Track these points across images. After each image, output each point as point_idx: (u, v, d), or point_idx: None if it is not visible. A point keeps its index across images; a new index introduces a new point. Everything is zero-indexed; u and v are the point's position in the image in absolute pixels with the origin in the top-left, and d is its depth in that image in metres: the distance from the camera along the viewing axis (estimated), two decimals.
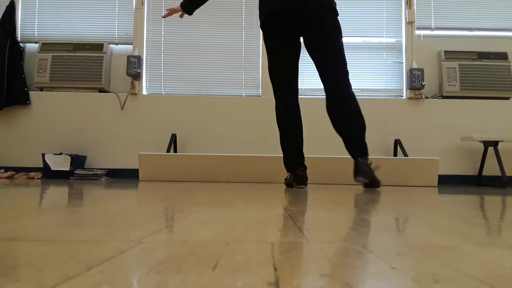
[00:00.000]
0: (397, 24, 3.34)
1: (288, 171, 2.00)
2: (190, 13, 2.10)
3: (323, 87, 1.96)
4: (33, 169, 3.09)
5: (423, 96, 3.22)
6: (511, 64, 3.18)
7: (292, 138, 1.95)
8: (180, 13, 2.12)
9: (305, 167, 1.98)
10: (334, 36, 1.85)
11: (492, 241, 0.53)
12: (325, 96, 1.96)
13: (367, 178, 1.79)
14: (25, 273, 0.33)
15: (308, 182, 1.98)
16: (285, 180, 2.07)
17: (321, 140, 3.23)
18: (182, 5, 2.07)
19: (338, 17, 1.88)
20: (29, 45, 3.34)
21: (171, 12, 2.13)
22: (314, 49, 1.88)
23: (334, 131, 3.34)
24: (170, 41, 3.30)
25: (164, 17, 2.17)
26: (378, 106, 3.24)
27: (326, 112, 3.48)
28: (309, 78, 3.32)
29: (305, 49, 1.98)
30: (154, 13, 3.33)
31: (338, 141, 3.33)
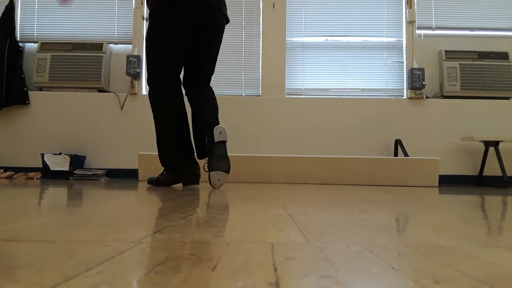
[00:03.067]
0: (398, 24, 3.34)
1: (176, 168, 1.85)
2: None
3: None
4: (32, 169, 3.09)
5: (424, 96, 3.22)
6: None
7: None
8: None
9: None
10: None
11: (492, 242, 0.53)
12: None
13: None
14: (24, 274, 0.33)
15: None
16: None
17: (321, 140, 3.23)
18: None
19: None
20: (28, 44, 3.33)
21: None
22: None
23: (334, 131, 3.35)
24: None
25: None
26: (378, 106, 3.23)
27: (325, 112, 3.46)
28: (309, 79, 3.32)
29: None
30: None
31: (338, 141, 3.34)
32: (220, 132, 1.70)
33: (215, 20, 1.78)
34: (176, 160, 1.82)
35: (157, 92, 1.78)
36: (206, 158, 1.77)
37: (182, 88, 1.88)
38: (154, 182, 1.91)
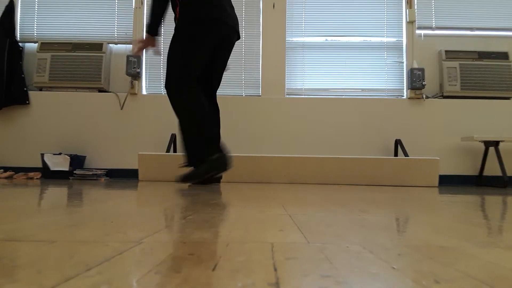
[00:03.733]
0: (398, 24, 3.34)
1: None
2: (157, 34, 1.98)
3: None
4: (32, 169, 3.09)
5: (424, 96, 3.22)
6: None
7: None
8: (154, 48, 2.01)
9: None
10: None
11: (492, 242, 0.53)
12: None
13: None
14: (24, 274, 0.33)
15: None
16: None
17: (321, 140, 3.23)
18: (148, 31, 1.95)
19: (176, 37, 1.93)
20: (28, 44, 3.33)
21: (144, 45, 1.97)
22: None
23: (334, 131, 3.35)
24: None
25: (136, 53, 2.03)
26: (378, 106, 3.23)
27: (325, 112, 3.45)
28: (309, 79, 3.32)
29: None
30: None
31: (338, 141, 3.34)
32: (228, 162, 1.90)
33: (231, 40, 2.01)
34: (213, 151, 1.89)
35: (182, 91, 1.87)
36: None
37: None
38: (187, 178, 1.86)
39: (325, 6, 3.34)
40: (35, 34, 3.35)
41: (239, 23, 2.08)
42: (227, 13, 1.95)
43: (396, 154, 3.13)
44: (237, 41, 2.12)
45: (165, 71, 1.95)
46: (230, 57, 2.13)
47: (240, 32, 2.08)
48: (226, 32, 1.95)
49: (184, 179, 1.87)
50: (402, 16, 3.34)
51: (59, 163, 2.87)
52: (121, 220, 0.68)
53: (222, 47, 2.01)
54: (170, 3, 1.97)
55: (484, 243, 0.52)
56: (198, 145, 1.88)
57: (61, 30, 3.34)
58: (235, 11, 2.06)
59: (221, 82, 3.36)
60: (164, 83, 2.24)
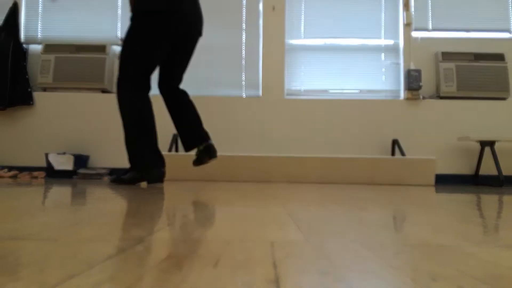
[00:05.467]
0: (395, 26, 3.36)
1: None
2: None
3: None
4: (37, 168, 3.10)
5: (421, 97, 3.24)
6: (508, 65, 3.20)
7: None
8: None
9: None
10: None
11: (489, 240, 0.54)
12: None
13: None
14: (27, 272, 0.33)
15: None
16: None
17: (320, 140, 3.24)
18: None
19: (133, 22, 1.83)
20: (32, 46, 3.34)
21: None
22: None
23: (333, 132, 3.36)
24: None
25: None
26: (376, 107, 3.25)
27: (324, 113, 3.47)
28: (308, 80, 3.33)
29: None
30: None
31: (337, 141, 3.35)
32: (213, 150, 1.95)
33: (193, 35, 1.95)
34: (145, 159, 1.84)
35: (128, 90, 1.82)
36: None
37: (159, 90, 2.02)
38: (117, 181, 1.89)
39: (324, 9, 3.36)
40: (39, 35, 3.36)
41: (202, 19, 1.98)
42: (186, 7, 1.82)
43: (393, 154, 3.14)
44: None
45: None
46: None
47: (202, 30, 2.02)
48: (184, 27, 1.85)
49: (112, 181, 1.93)
50: (399, 18, 3.36)
51: (63, 163, 2.87)
52: (123, 218, 0.68)
53: (180, 44, 1.92)
54: None
55: (481, 241, 0.53)
56: (132, 149, 1.83)
57: (65, 32, 3.36)
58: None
59: (222, 82, 3.40)
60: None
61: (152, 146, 1.86)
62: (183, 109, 1.96)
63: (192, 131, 1.97)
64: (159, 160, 1.89)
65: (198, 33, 1.99)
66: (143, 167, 1.84)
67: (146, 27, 1.78)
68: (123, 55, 1.82)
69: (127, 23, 3.33)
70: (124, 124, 1.82)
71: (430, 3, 3.35)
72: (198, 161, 2.00)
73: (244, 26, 3.33)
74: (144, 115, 1.81)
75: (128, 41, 1.81)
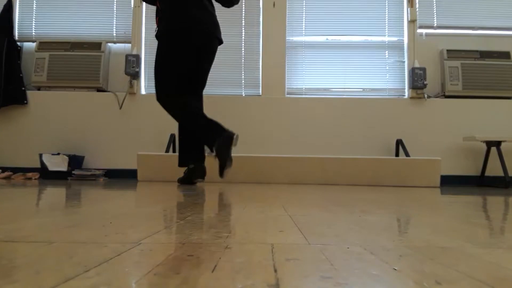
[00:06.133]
0: (399, 23, 3.33)
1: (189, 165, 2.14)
2: None
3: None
4: (31, 169, 3.08)
5: (425, 96, 3.21)
6: None
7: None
8: None
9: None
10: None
11: (494, 242, 0.53)
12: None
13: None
14: (23, 274, 0.33)
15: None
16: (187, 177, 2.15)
17: (322, 140, 3.23)
18: None
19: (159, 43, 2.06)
20: (26, 44, 3.32)
21: None
22: None
23: (335, 131, 3.34)
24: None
25: None
26: (379, 106, 3.23)
27: (326, 112, 3.45)
28: (309, 78, 3.31)
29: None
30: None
31: (339, 141, 3.33)
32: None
33: (211, 46, 2.09)
34: (189, 157, 2.12)
35: (171, 97, 2.04)
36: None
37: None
38: (180, 181, 2.17)
39: (326, 5, 3.33)
40: (33, 33, 3.34)
41: (218, 28, 2.12)
42: (201, 21, 2.00)
43: (397, 154, 3.12)
44: (221, 45, 2.19)
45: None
46: (214, 61, 2.23)
47: (221, 37, 2.16)
48: (201, 40, 2.02)
49: (178, 181, 2.21)
50: (403, 15, 3.33)
51: (58, 163, 2.87)
52: (120, 221, 0.68)
53: (200, 56, 2.08)
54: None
55: (485, 243, 0.52)
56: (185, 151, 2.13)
57: (60, 29, 3.33)
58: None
59: (221, 81, 3.39)
60: None
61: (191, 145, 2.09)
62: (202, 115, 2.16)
63: (193, 148, 2.14)
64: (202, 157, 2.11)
65: (218, 41, 2.14)
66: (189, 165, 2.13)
67: (168, 46, 2.00)
68: (155, 74, 2.05)
69: (123, 19, 3.34)
70: (181, 128, 2.16)
71: (435, 0, 3.32)
72: (185, 180, 2.15)
73: (243, 23, 3.32)
74: (195, 117, 2.03)
75: (156, 60, 2.03)
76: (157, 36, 2.03)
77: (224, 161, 1.93)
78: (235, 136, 1.93)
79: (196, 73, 2.12)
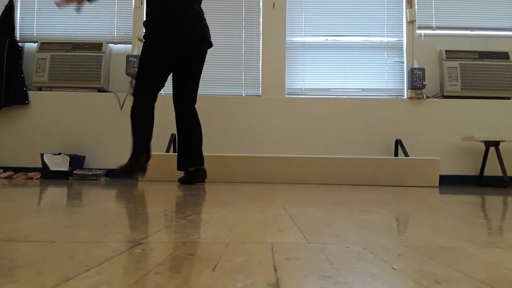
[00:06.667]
0: (398, 24, 3.34)
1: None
2: None
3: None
4: (32, 169, 3.09)
5: (424, 96, 3.22)
6: None
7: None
8: (78, 5, 1.98)
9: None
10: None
11: (493, 242, 0.53)
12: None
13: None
14: (24, 274, 0.33)
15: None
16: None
17: (322, 140, 3.23)
18: None
19: None
20: (28, 44, 3.33)
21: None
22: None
23: (334, 131, 3.35)
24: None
25: (61, 3, 1.95)
26: (379, 106, 3.23)
27: (326, 112, 3.46)
28: (309, 79, 3.32)
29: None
30: None
31: (339, 141, 3.34)
32: (204, 175, 2.11)
33: (195, 49, 2.08)
34: (187, 163, 2.13)
35: (134, 102, 2.07)
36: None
37: (174, 107, 2.17)
38: (180, 181, 2.18)
39: (325, 6, 3.34)
40: (35, 34, 3.34)
41: (205, 31, 2.11)
42: (183, 27, 2.01)
43: (396, 154, 3.12)
44: (221, 46, 2.21)
45: None
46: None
47: (209, 39, 2.16)
48: (180, 45, 2.03)
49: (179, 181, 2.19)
50: (402, 15, 3.34)
51: (59, 163, 2.87)
52: (120, 220, 0.68)
53: (180, 62, 2.09)
54: None
55: (484, 243, 0.52)
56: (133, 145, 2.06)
57: (61, 30, 3.34)
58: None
59: (221, 81, 3.39)
60: None
61: (138, 152, 2.05)
62: (185, 134, 2.13)
63: (188, 154, 2.12)
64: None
65: (208, 44, 2.13)
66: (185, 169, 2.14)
67: (146, 49, 2.06)
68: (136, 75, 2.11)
69: (124, 20, 3.35)
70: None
71: (434, 0, 3.33)
72: (185, 180, 2.13)
73: (244, 23, 3.33)
74: (135, 124, 2.04)
75: (140, 57, 2.10)
76: (143, 37, 2.10)
77: (130, 172, 1.99)
78: (140, 165, 1.98)
79: (180, 79, 2.13)
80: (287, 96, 3.27)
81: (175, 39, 2.03)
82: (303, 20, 3.34)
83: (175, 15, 2.01)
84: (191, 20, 2.05)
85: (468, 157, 3.18)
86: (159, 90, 2.12)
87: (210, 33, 2.19)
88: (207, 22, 2.20)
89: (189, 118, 2.13)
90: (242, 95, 3.29)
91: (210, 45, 2.16)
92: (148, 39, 2.05)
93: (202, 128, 3.17)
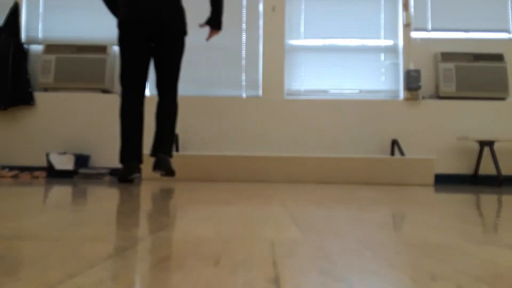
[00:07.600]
0: (394, 26, 3.36)
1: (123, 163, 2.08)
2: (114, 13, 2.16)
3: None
4: (37, 168, 3.10)
5: (420, 97, 3.24)
6: (507, 65, 3.20)
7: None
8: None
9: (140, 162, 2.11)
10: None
11: (488, 240, 0.54)
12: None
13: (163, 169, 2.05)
14: (28, 272, 0.33)
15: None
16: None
17: (320, 140, 3.25)
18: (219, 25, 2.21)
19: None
20: (33, 46, 3.34)
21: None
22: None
23: (333, 132, 3.36)
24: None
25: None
26: (375, 107, 3.25)
27: (324, 113, 3.48)
28: (308, 80, 3.33)
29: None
30: None
31: (337, 141, 3.35)
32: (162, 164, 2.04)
33: (166, 32, 2.04)
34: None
35: (121, 99, 2.06)
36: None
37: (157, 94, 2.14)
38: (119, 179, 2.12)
39: (324, 10, 3.36)
40: (40, 36, 3.35)
41: (178, 16, 2.07)
42: (147, 12, 1.98)
43: (392, 154, 3.14)
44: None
45: None
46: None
47: (184, 26, 2.11)
48: (147, 31, 2.00)
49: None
50: (398, 18, 3.36)
51: (64, 163, 2.87)
52: (124, 218, 0.68)
53: (158, 41, 2.04)
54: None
55: (480, 241, 0.53)
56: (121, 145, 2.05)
57: (66, 32, 3.36)
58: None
59: (222, 83, 3.40)
60: None
61: (127, 151, 2.03)
62: (159, 119, 2.11)
63: (158, 140, 2.11)
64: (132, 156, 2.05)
65: (180, 30, 2.08)
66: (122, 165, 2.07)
67: (119, 39, 2.04)
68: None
69: None
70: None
71: (429, 4, 3.35)
72: (154, 166, 2.08)
73: (244, 26, 3.34)
74: (123, 122, 2.03)
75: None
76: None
77: (125, 179, 2.01)
78: (132, 171, 1.99)
79: (157, 66, 2.09)
80: (286, 97, 3.29)
81: (142, 23, 2.00)
82: (302, 24, 3.36)
83: (148, 3, 1.99)
84: (158, 4, 2.02)
85: (463, 156, 3.20)
86: (144, 83, 2.08)
87: (187, 22, 2.13)
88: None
89: (163, 107, 2.11)
90: (242, 96, 3.30)
91: (181, 30, 2.09)
92: (119, 27, 2.03)
93: (204, 128, 3.20)
